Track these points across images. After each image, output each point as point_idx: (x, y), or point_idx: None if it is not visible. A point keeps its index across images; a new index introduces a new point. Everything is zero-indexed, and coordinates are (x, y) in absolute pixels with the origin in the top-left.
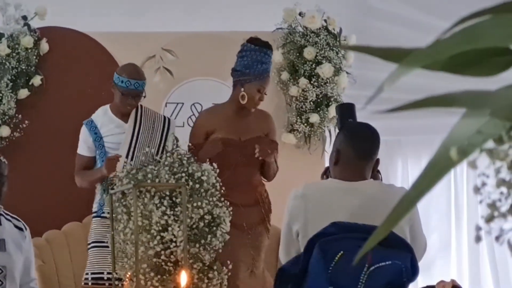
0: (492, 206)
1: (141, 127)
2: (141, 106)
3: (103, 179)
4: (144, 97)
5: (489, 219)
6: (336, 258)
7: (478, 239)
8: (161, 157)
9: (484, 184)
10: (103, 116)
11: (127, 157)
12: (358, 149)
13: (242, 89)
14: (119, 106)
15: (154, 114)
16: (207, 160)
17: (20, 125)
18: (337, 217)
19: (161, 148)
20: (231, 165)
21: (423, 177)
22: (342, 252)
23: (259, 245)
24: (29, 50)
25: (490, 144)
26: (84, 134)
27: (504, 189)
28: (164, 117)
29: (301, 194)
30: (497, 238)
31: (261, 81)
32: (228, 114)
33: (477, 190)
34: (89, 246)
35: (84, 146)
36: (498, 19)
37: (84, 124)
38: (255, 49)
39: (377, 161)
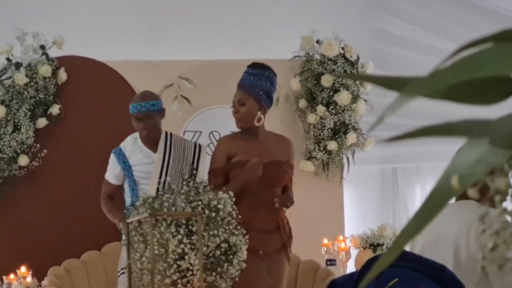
0: (495, 235)
1: (171, 156)
2: (171, 134)
3: None
4: (153, 118)
5: (493, 248)
6: (390, 284)
7: (483, 268)
8: (185, 185)
9: (486, 213)
10: (132, 145)
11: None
12: None
13: None
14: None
15: (184, 141)
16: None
17: (39, 154)
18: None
19: (192, 176)
20: (252, 188)
21: (426, 205)
22: (397, 279)
23: (278, 273)
24: (47, 79)
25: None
26: (112, 162)
27: (507, 218)
28: (195, 144)
29: None
30: (500, 267)
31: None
32: (246, 138)
33: (482, 219)
34: (119, 273)
35: (111, 174)
36: (498, 48)
37: (112, 152)
38: None
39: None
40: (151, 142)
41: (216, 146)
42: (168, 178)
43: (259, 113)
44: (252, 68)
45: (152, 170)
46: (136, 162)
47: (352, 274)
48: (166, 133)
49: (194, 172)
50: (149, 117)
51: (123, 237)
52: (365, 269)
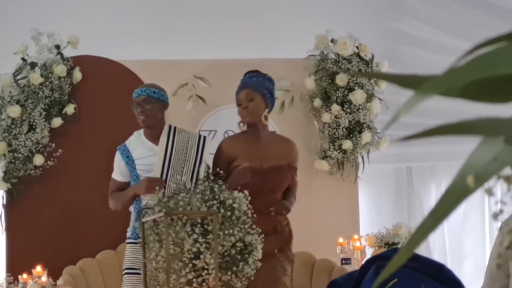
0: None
1: (173, 148)
2: (174, 127)
3: (135, 197)
4: (151, 104)
5: (509, 245)
6: (389, 284)
7: (499, 266)
8: (196, 179)
9: (502, 211)
10: (136, 140)
11: (161, 178)
12: None
13: None
14: None
15: (187, 134)
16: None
17: (54, 154)
18: None
19: (196, 168)
20: (252, 192)
21: (440, 204)
22: (396, 279)
23: (277, 274)
24: (62, 79)
25: (507, 171)
26: (117, 159)
27: None
28: (199, 135)
29: None
30: None
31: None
32: (248, 140)
33: (495, 217)
34: (123, 273)
35: (117, 171)
36: None
37: (117, 149)
38: None
39: None
40: (152, 134)
41: (217, 149)
42: (171, 171)
43: (266, 110)
44: (251, 73)
45: (155, 162)
46: (139, 155)
47: (351, 273)
48: (170, 126)
49: (209, 171)
50: (148, 102)
51: (128, 234)
52: (365, 268)
